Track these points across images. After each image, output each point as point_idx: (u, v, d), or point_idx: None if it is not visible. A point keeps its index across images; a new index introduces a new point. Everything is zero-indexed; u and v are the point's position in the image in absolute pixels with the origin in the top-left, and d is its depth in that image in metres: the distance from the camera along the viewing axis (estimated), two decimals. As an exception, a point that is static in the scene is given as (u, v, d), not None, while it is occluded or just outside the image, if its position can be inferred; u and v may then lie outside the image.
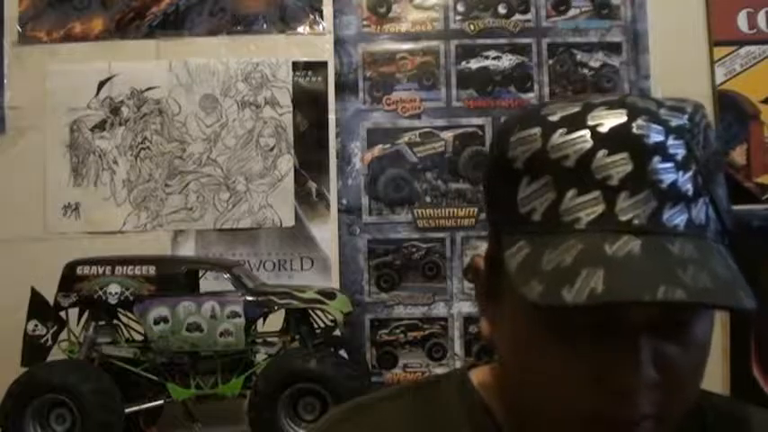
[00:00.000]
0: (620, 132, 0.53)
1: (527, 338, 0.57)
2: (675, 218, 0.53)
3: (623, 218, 0.52)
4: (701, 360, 0.57)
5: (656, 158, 0.53)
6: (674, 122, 0.54)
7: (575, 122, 0.55)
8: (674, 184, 0.53)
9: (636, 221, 0.52)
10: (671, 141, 0.53)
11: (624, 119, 0.54)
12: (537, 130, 0.56)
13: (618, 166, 0.53)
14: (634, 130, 0.53)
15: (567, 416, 0.55)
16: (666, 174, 0.53)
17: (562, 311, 0.52)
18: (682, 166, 0.53)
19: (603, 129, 0.54)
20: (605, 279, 0.49)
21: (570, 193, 0.53)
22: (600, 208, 0.53)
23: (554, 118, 0.56)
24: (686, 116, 0.55)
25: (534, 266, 0.52)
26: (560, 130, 0.55)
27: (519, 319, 0.57)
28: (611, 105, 0.55)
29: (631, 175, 0.52)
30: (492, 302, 0.62)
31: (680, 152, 0.53)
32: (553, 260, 0.52)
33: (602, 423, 0.54)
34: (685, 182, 0.53)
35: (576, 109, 0.56)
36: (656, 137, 0.53)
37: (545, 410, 0.57)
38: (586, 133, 0.54)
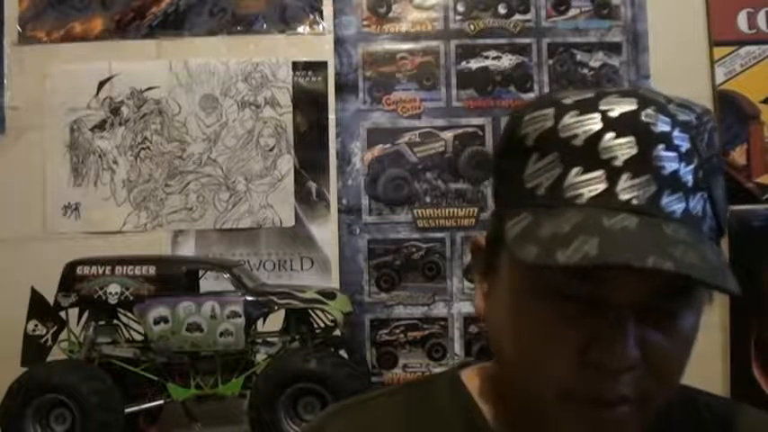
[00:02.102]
0: (629, 118, 0.56)
1: (519, 307, 0.59)
2: (673, 204, 0.54)
3: (623, 197, 0.54)
4: (685, 353, 0.58)
5: (661, 146, 0.55)
6: (682, 117, 0.57)
7: (587, 106, 0.57)
8: (675, 172, 0.55)
9: (634, 201, 0.54)
10: (677, 133, 0.56)
11: (634, 106, 0.56)
12: (550, 110, 0.58)
13: (624, 148, 0.55)
14: (642, 118, 0.56)
15: (550, 391, 0.56)
16: (669, 162, 0.55)
17: (555, 280, 0.54)
18: (684, 157, 0.55)
19: (614, 113, 0.56)
20: (599, 245, 0.51)
21: (575, 170, 0.56)
22: (602, 186, 0.55)
23: (567, 101, 0.58)
24: (694, 114, 0.58)
25: (532, 233, 0.54)
26: (572, 112, 0.57)
27: (513, 288, 0.59)
28: (624, 94, 0.58)
29: (635, 159, 0.54)
30: (489, 277, 0.64)
31: (684, 144, 0.56)
32: (551, 228, 0.54)
33: (583, 400, 0.55)
34: (686, 173, 0.55)
35: (590, 95, 0.58)
36: (662, 126, 0.55)
37: (529, 387, 0.58)
38: (597, 116, 0.56)
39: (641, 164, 0.54)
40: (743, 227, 2.41)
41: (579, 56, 2.59)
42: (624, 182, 0.54)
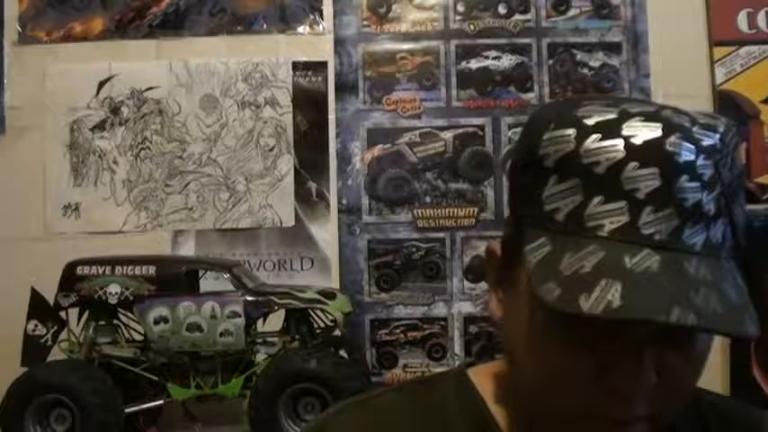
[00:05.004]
0: (652, 147, 0.54)
1: (536, 328, 0.58)
2: (694, 237, 0.54)
3: (645, 232, 0.53)
4: (700, 368, 0.59)
5: (684, 177, 0.54)
6: (706, 142, 0.55)
7: (610, 130, 0.56)
8: (698, 204, 0.54)
9: (657, 237, 0.53)
10: (701, 161, 0.54)
11: (659, 133, 0.55)
12: (571, 132, 0.57)
13: (647, 179, 0.54)
14: (667, 147, 0.54)
15: (563, 409, 0.57)
16: (692, 193, 0.54)
17: None
18: (707, 186, 0.54)
19: (637, 141, 0.55)
20: (622, 294, 0.50)
21: (597, 199, 0.55)
22: (624, 218, 0.54)
23: (590, 122, 0.57)
24: (718, 136, 0.56)
25: (553, 267, 0.54)
26: (594, 136, 0.56)
27: (531, 309, 0.59)
28: (648, 117, 0.56)
29: (658, 191, 0.54)
30: (505, 286, 0.64)
31: (707, 172, 0.55)
32: (573, 264, 0.53)
33: (597, 420, 0.56)
34: (709, 202, 0.54)
35: (613, 116, 0.56)
36: (686, 155, 0.54)
37: (544, 401, 0.58)
38: (620, 143, 0.55)
39: (664, 196, 0.53)
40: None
41: (579, 56, 2.59)
42: (647, 215, 0.53)
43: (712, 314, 0.50)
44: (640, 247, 0.53)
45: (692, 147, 0.54)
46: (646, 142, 0.54)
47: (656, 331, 0.54)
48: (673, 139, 0.54)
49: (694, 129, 0.56)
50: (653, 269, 0.52)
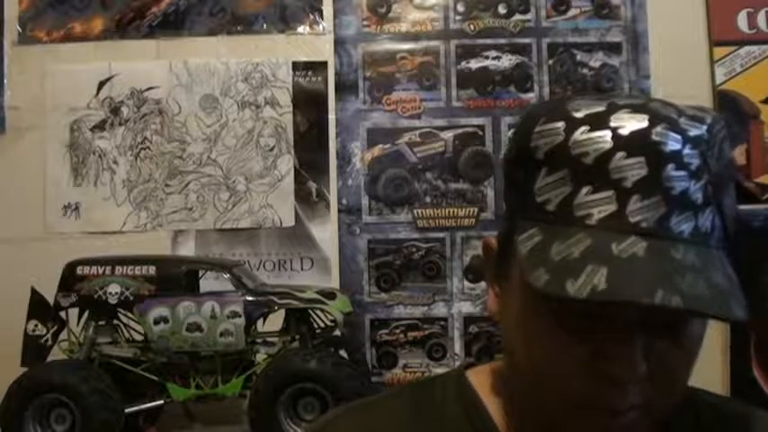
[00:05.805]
0: (639, 137, 0.55)
1: (530, 318, 0.59)
2: (682, 224, 0.54)
3: (632, 219, 0.54)
4: (692, 357, 0.59)
5: (671, 166, 0.55)
6: (693, 132, 0.56)
7: (598, 121, 0.57)
8: (684, 192, 0.55)
9: (644, 224, 0.54)
10: (687, 150, 0.55)
11: (645, 124, 0.56)
12: (561, 124, 0.58)
13: (633, 169, 0.55)
14: (653, 137, 0.55)
15: (558, 400, 0.58)
16: (679, 182, 0.55)
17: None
18: (694, 175, 0.55)
19: (624, 131, 0.56)
20: (608, 277, 0.51)
21: (585, 189, 0.55)
22: (612, 207, 0.55)
23: (578, 114, 0.58)
24: (705, 127, 0.57)
25: (543, 255, 0.55)
26: (583, 128, 0.57)
27: (524, 299, 0.60)
28: (635, 109, 0.57)
29: (645, 180, 0.54)
30: (500, 280, 0.65)
31: (694, 162, 0.55)
32: (561, 252, 0.54)
33: (591, 409, 0.56)
34: (696, 191, 0.55)
35: (601, 108, 0.57)
36: (673, 145, 0.55)
37: (540, 395, 0.59)
38: (607, 134, 0.56)
39: (651, 185, 0.54)
40: (743, 227, 2.41)
41: (579, 56, 2.59)
42: (634, 203, 0.54)
43: (697, 297, 0.51)
44: (627, 235, 0.54)
45: (679, 137, 0.55)
46: (632, 132, 0.55)
47: (646, 317, 0.54)
48: (659, 129, 0.55)
49: (681, 120, 0.56)
50: (639, 255, 0.52)
